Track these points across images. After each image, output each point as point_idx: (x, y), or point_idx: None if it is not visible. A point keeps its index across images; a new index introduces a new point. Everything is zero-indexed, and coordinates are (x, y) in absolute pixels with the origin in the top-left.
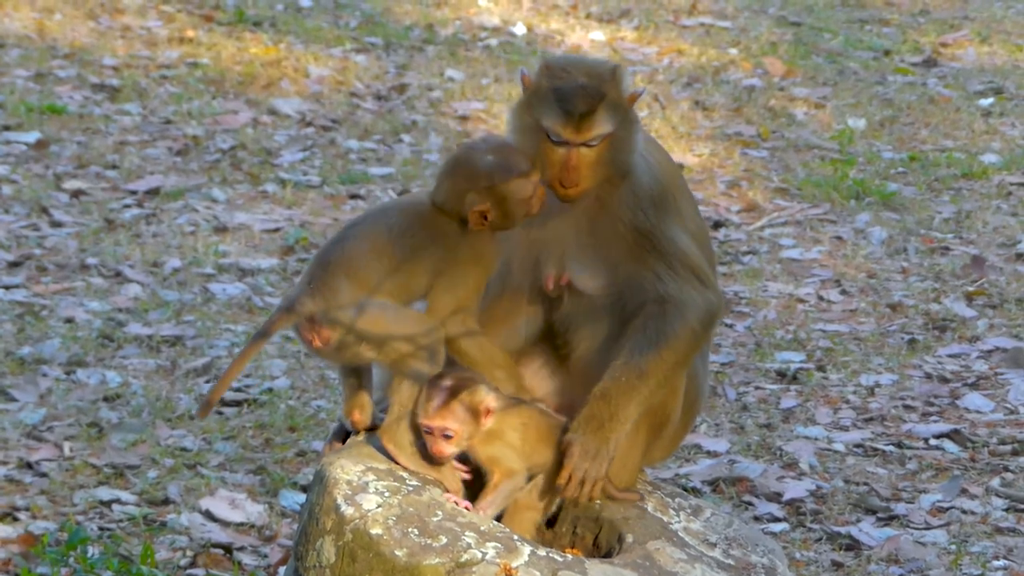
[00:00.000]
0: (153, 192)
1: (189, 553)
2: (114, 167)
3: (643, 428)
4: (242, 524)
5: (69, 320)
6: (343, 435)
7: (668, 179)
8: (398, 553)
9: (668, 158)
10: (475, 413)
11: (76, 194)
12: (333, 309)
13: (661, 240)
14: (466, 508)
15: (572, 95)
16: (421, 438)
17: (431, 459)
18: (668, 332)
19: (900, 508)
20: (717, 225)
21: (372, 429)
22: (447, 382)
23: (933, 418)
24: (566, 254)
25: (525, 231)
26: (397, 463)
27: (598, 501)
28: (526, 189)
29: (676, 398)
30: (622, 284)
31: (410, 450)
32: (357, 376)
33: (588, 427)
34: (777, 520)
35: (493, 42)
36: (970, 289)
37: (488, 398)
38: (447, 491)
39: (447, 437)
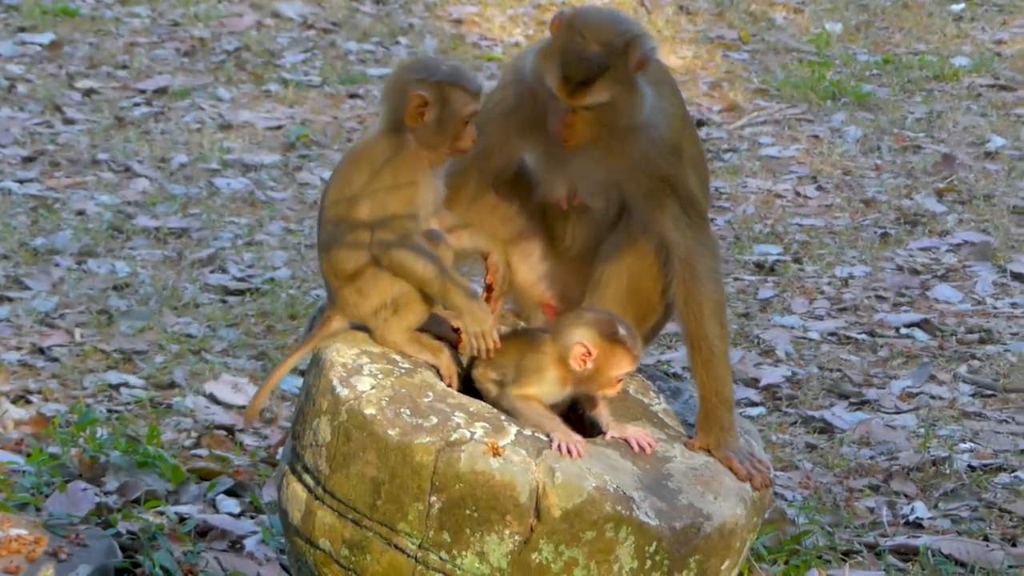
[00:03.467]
0: (161, 91)
1: (193, 434)
2: (124, 67)
3: (628, 317)
4: (244, 407)
5: (80, 213)
6: None
7: (682, 127)
8: (391, 432)
9: (679, 102)
10: None
11: (88, 93)
12: (351, 312)
13: (678, 185)
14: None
15: (574, 63)
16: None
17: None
18: (711, 295)
19: (871, 393)
20: (699, 124)
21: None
22: (627, 327)
23: (904, 308)
24: (579, 182)
25: (541, 155)
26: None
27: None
28: (466, 107)
29: (659, 288)
30: (631, 207)
31: (407, 335)
32: None
33: (723, 432)
34: (754, 404)
35: None
36: (940, 186)
37: None
38: (442, 376)
39: None
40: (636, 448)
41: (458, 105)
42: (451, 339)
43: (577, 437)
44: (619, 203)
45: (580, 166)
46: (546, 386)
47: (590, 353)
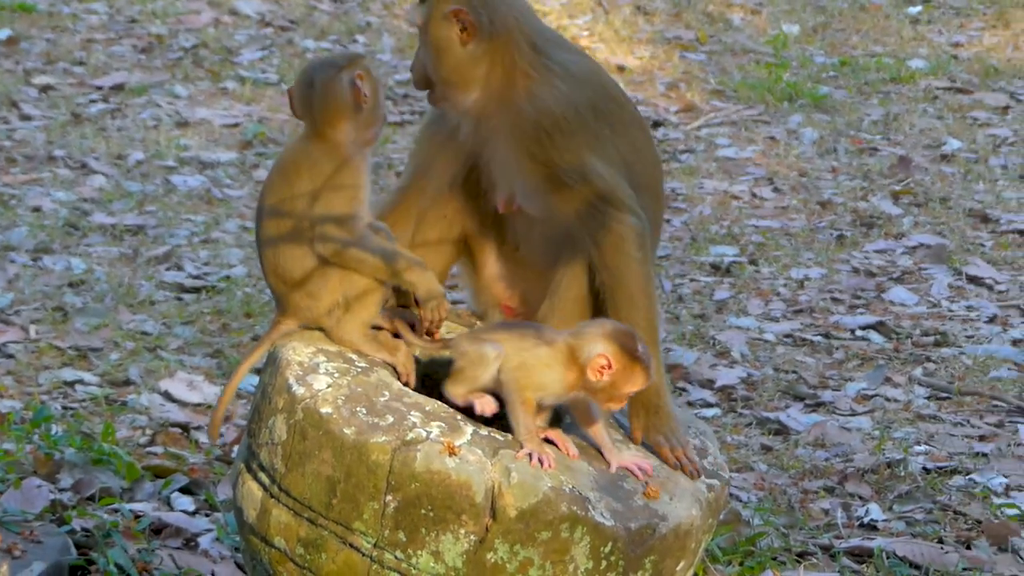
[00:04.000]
0: (118, 88)
1: (148, 432)
2: (81, 63)
3: (576, 316)
4: (199, 404)
5: (37, 209)
6: None
7: (578, 112)
8: (346, 431)
9: (595, 94)
10: None
11: (45, 89)
12: (303, 315)
13: (569, 172)
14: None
15: None
16: (374, 324)
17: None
18: (628, 281)
19: (827, 395)
20: (656, 125)
21: None
22: (644, 346)
23: (859, 310)
24: (513, 182)
25: (467, 147)
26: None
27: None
28: (376, 72)
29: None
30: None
31: (366, 335)
32: None
33: (650, 415)
34: (710, 405)
35: None
36: (896, 188)
37: None
38: (399, 375)
39: None
40: (641, 476)
41: (374, 72)
42: (405, 335)
43: (548, 449)
44: (554, 208)
45: (502, 167)
46: (548, 386)
47: (610, 366)
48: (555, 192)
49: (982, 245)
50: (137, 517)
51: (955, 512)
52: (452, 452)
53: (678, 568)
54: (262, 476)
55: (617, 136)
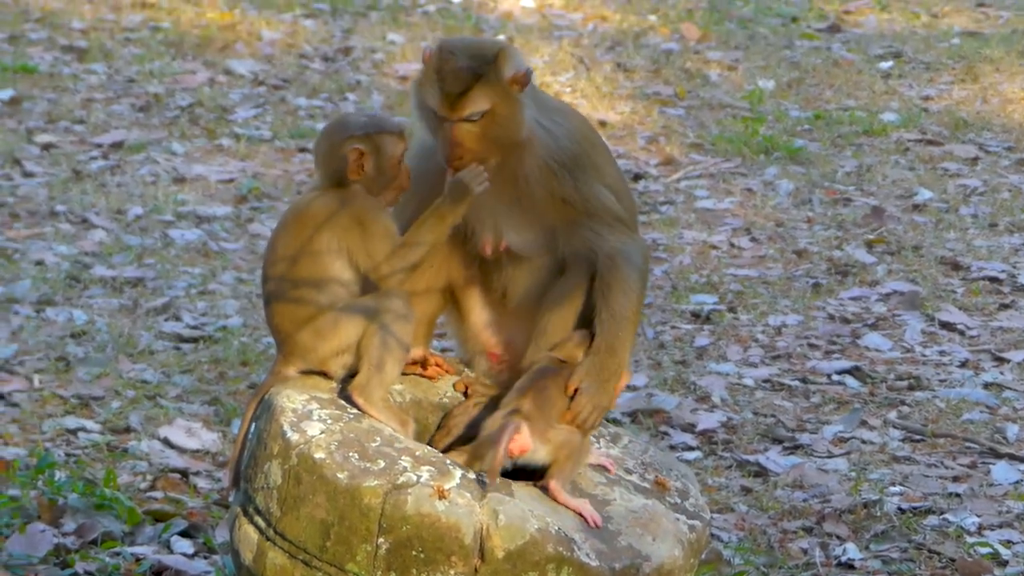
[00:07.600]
0: (117, 145)
1: (149, 477)
2: (81, 122)
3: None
4: (198, 451)
5: (39, 263)
6: None
7: (578, 142)
8: (340, 476)
9: (578, 122)
10: None
11: (46, 147)
12: (308, 356)
13: (587, 201)
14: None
15: (450, 76)
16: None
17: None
18: (629, 280)
19: (804, 438)
20: (637, 177)
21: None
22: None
23: (835, 355)
24: (500, 222)
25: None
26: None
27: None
28: (397, 148)
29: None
30: (557, 241)
31: (380, 404)
32: None
33: (598, 379)
34: (691, 448)
35: (431, 8)
36: (870, 237)
37: None
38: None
39: None
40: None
41: (390, 148)
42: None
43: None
44: (548, 246)
45: (495, 205)
46: None
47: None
48: (561, 224)
49: (954, 292)
50: (138, 560)
51: (929, 551)
52: (442, 495)
53: None
54: (258, 520)
55: (607, 163)
